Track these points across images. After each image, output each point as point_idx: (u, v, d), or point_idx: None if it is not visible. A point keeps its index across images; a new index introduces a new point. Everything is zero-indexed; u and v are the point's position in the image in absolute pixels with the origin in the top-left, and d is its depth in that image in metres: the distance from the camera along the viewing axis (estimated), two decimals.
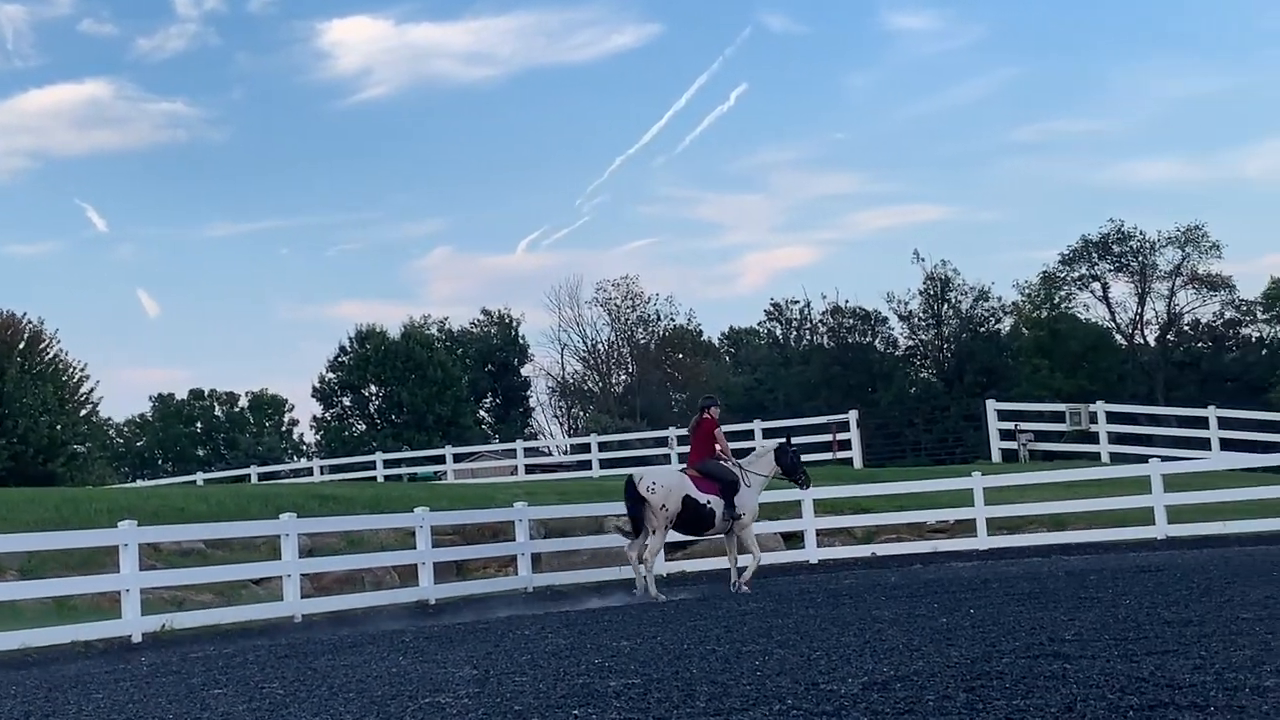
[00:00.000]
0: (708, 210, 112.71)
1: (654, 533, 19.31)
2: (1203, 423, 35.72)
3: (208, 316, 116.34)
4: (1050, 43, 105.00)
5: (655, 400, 76.41)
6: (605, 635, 13.66)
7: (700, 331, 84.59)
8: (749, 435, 40.08)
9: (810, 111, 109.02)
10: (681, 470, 20.08)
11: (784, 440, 20.44)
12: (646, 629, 14.27)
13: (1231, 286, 71.25)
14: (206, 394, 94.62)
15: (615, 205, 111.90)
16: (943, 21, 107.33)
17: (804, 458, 38.25)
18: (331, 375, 74.62)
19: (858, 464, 37.52)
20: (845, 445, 38.29)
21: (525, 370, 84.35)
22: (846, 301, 73.40)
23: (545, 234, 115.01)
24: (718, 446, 19.78)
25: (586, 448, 43.17)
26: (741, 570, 19.84)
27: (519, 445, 45.39)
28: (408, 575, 23.04)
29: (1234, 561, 18.44)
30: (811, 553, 26.13)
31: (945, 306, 69.44)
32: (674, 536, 20.45)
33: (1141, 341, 71.39)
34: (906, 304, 70.26)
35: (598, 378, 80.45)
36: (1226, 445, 34.95)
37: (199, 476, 49.67)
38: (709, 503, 19.33)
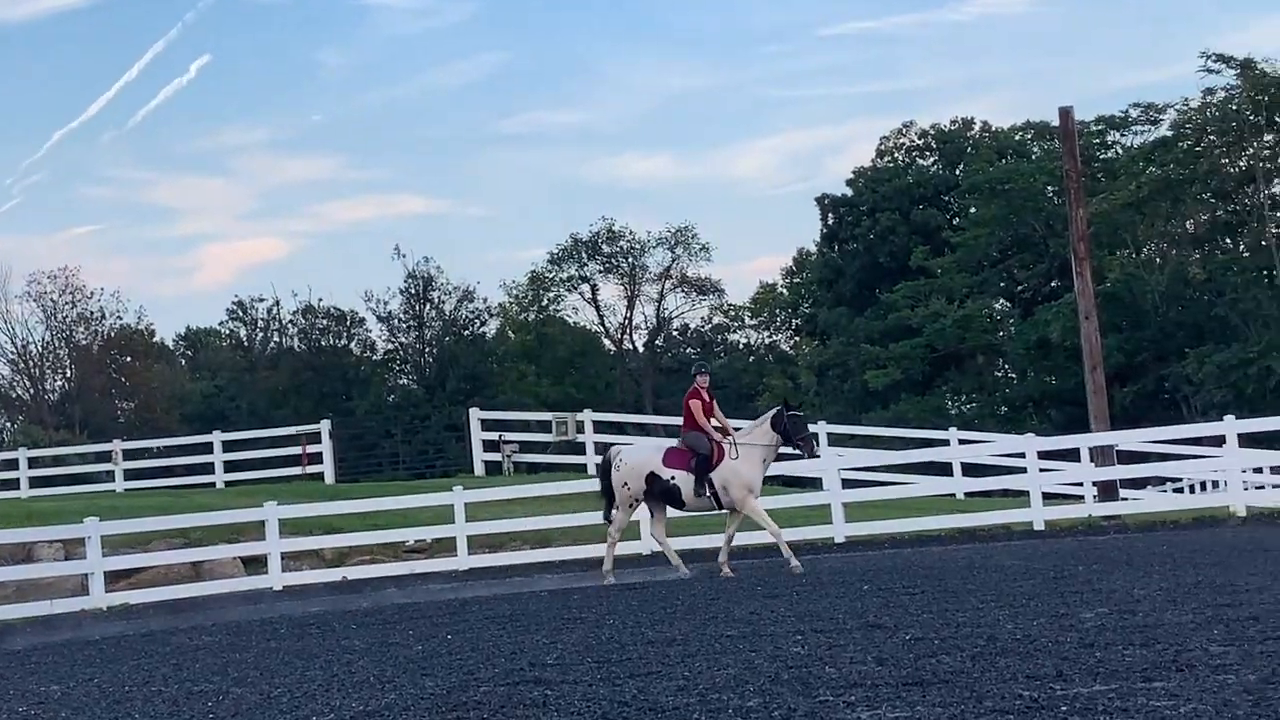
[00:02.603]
0: (163, 194, 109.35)
1: (618, 509, 20.10)
2: None
3: None
4: (539, 28, 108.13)
5: (98, 409, 73.21)
6: (33, 679, 13.00)
7: (153, 332, 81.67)
8: (208, 449, 39.06)
9: (282, 89, 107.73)
10: (672, 443, 20.29)
11: (783, 403, 20.15)
12: (83, 670, 13.67)
13: (720, 291, 75.50)
14: None
15: (53, 186, 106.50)
16: None
17: (269, 473, 38.13)
18: None
19: (330, 479, 37.28)
20: (316, 458, 37.92)
21: None
22: (320, 300, 72.75)
23: None
24: (697, 417, 19.73)
25: (14, 464, 40.86)
26: (779, 550, 19.99)
27: None
28: None
29: (718, 576, 19.46)
30: (275, 578, 25.75)
31: (427, 307, 70.00)
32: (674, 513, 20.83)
33: (630, 347, 74.43)
34: (386, 304, 70.34)
35: (28, 383, 76.31)
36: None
37: None
38: (673, 479, 19.59)
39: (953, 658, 9.71)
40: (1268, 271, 56.67)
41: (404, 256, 69.62)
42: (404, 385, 70.86)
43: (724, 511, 20.01)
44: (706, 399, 19.87)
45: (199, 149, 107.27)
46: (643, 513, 21.87)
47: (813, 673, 9.43)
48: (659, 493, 19.89)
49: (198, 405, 71.74)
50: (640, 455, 20.29)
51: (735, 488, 19.46)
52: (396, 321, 70.28)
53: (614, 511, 20.25)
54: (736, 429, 20.17)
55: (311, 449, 38.23)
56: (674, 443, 20.33)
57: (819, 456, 20.87)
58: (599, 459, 20.74)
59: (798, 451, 20.17)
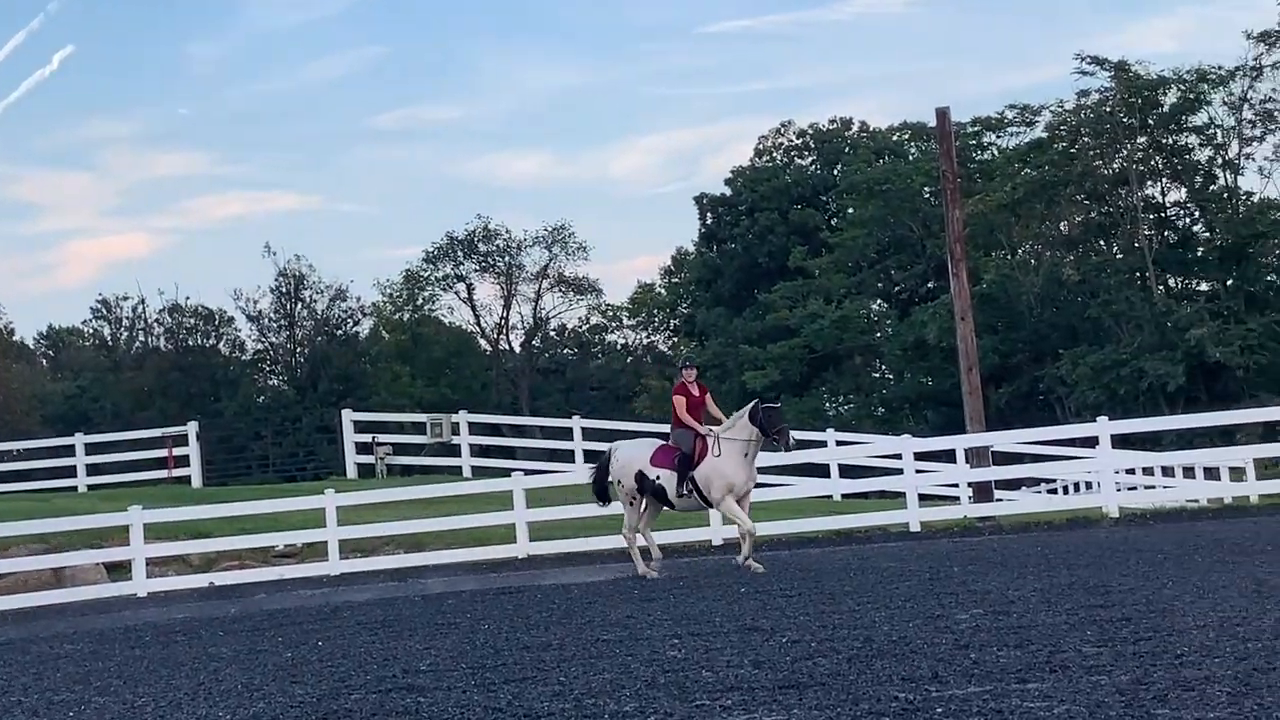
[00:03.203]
0: (24, 190, 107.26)
1: (626, 507, 19.92)
2: (567, 433, 37.54)
3: None
4: (416, 22, 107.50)
5: None
6: None
7: (12, 330, 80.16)
8: (70, 451, 38.38)
9: (148, 82, 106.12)
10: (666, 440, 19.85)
11: (758, 397, 19.51)
12: None
13: (598, 291, 75.50)
14: None
15: None
16: None
17: (134, 476, 37.52)
18: None
19: (197, 482, 36.81)
20: (183, 461, 37.43)
21: None
22: (188, 299, 71.76)
23: None
24: (679, 413, 19.33)
25: None
26: (740, 548, 19.52)
27: None
28: None
29: (595, 580, 19.49)
30: (140, 584, 25.35)
31: (299, 306, 69.32)
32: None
33: (507, 347, 74.23)
34: (256, 303, 69.59)
35: None
36: (590, 457, 36.86)
37: None
38: (658, 478, 19.33)
39: (829, 660, 9.80)
40: (1140, 273, 57.87)
41: (275, 254, 68.96)
42: (274, 386, 70.12)
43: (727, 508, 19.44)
44: (695, 393, 19.51)
45: (62, 143, 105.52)
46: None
47: (689, 677, 9.47)
48: (649, 491, 19.52)
49: (59, 406, 70.48)
50: (630, 453, 19.91)
51: (716, 486, 19.00)
52: (267, 321, 69.52)
53: (626, 510, 19.89)
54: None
55: (178, 451, 37.72)
56: (667, 440, 19.87)
57: (793, 449, 20.32)
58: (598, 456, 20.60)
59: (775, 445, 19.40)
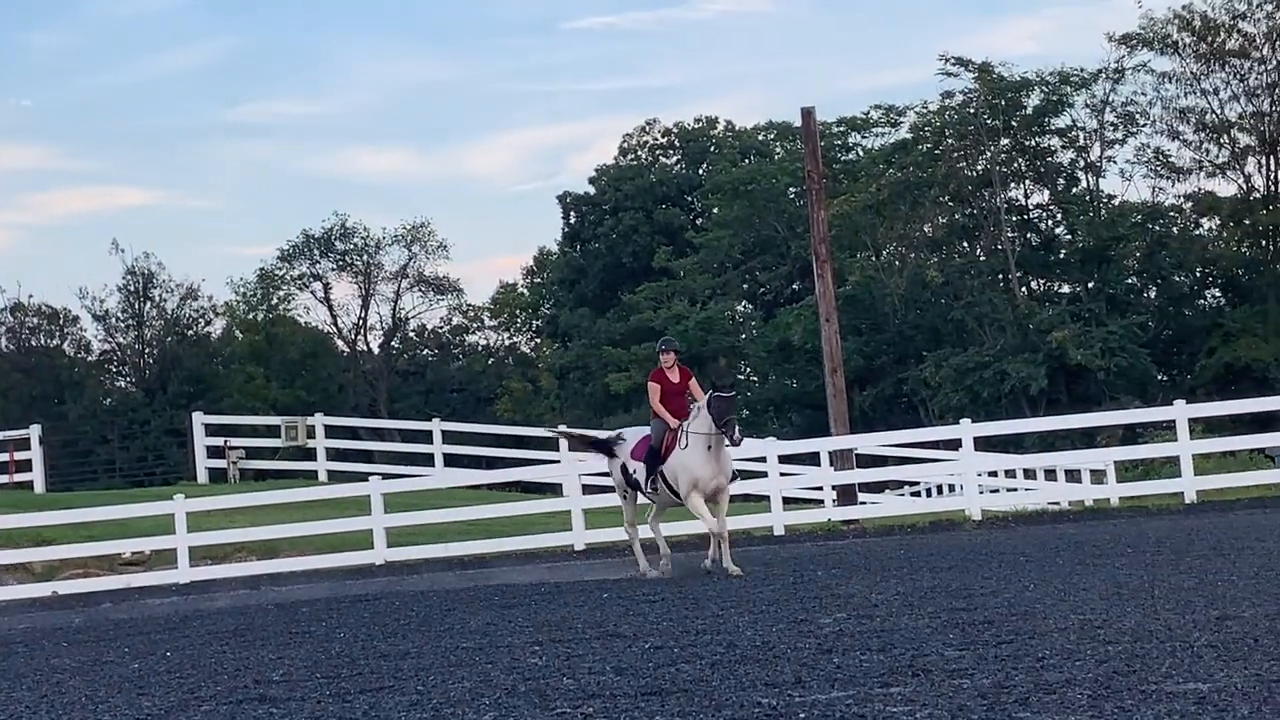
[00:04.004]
0: None
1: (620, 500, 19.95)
2: (426, 436, 37.35)
3: None
4: (270, 13, 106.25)
5: None
6: None
7: None
8: None
9: None
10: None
11: (713, 385, 18.67)
12: None
13: (459, 290, 75.22)
14: None
15: None
16: None
17: None
18: None
19: (40, 488, 36.18)
20: (25, 466, 36.74)
21: None
22: (31, 297, 70.44)
23: None
24: (652, 401, 18.83)
25: None
26: (712, 547, 19.22)
27: None
28: None
29: (455, 587, 19.42)
30: None
31: (148, 305, 68.28)
32: None
33: (365, 348, 73.68)
34: (102, 302, 68.47)
35: None
36: (450, 460, 36.75)
37: None
38: (635, 471, 18.96)
39: (692, 666, 9.84)
40: (1003, 275, 58.85)
41: (123, 251, 67.77)
42: (121, 388, 68.98)
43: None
44: (674, 380, 18.81)
45: None
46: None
47: (550, 684, 9.45)
48: (633, 485, 19.08)
49: None
50: (621, 447, 19.51)
51: (682, 481, 18.43)
52: (114, 320, 68.36)
53: (622, 504, 19.75)
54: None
55: (19, 456, 37.02)
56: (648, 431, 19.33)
57: (739, 443, 19.66)
58: None
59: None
